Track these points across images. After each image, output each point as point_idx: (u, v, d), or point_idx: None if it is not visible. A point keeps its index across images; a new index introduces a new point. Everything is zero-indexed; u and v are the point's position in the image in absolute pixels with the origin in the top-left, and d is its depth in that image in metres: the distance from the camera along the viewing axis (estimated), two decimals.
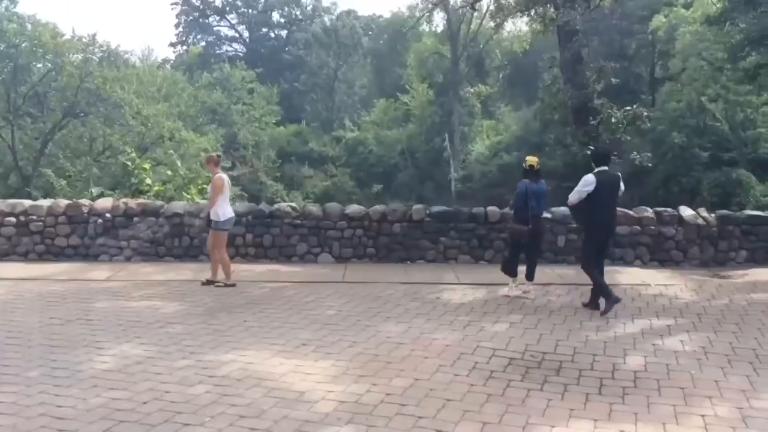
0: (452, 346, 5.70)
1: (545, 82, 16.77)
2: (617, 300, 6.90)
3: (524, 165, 7.88)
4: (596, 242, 7.17)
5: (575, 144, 13.61)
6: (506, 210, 10.12)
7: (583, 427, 4.00)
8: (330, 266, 9.73)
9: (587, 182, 6.96)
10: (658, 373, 5.03)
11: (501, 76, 38.99)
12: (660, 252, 10.02)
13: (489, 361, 5.28)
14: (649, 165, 14.27)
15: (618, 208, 10.26)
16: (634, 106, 14.47)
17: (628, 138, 14.23)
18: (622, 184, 7.17)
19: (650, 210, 10.25)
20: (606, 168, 7.07)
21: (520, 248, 7.84)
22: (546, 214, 9.15)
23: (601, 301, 6.95)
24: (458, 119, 33.67)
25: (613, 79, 14.56)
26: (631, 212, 10.13)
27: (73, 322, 6.44)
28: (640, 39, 28.57)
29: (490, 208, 10.25)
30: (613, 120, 13.52)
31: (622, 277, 8.91)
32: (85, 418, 4.09)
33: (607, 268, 8.88)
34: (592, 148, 12.88)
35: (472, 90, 34.86)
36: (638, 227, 10.00)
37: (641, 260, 9.92)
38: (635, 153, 14.03)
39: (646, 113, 14.36)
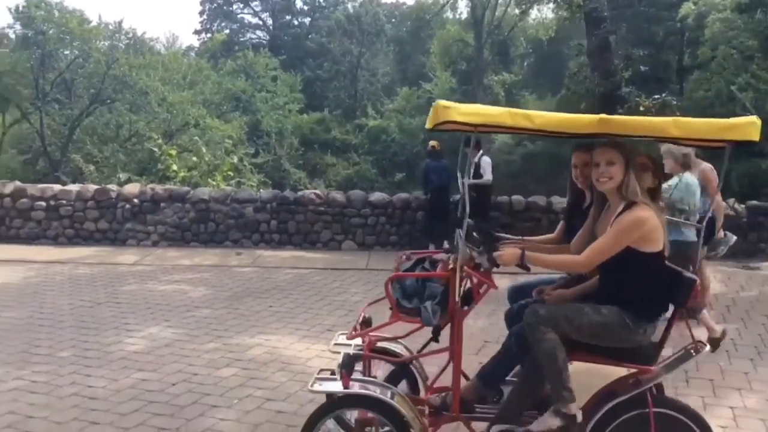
0: (476, 334, 5.69)
1: (571, 70, 16.55)
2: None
3: (428, 147, 10.02)
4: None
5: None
6: (531, 199, 10.09)
7: None
8: (353, 253, 9.77)
9: (488, 161, 9.12)
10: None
11: (525, 63, 38.58)
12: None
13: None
14: None
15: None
16: (663, 95, 14.26)
17: None
18: None
19: None
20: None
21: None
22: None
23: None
24: None
25: (641, 67, 14.36)
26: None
27: (102, 304, 6.55)
28: (669, 26, 28.05)
29: (515, 197, 10.19)
30: (641, 109, 13.31)
31: None
32: (115, 398, 4.17)
33: None
34: None
35: (496, 78, 34.53)
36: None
37: None
38: None
39: (675, 101, 14.13)
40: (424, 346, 3.32)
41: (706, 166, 5.97)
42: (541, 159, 22.88)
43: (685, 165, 5.28)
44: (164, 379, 4.50)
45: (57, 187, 10.71)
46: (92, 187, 10.71)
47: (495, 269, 2.94)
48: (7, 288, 7.20)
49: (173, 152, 14.40)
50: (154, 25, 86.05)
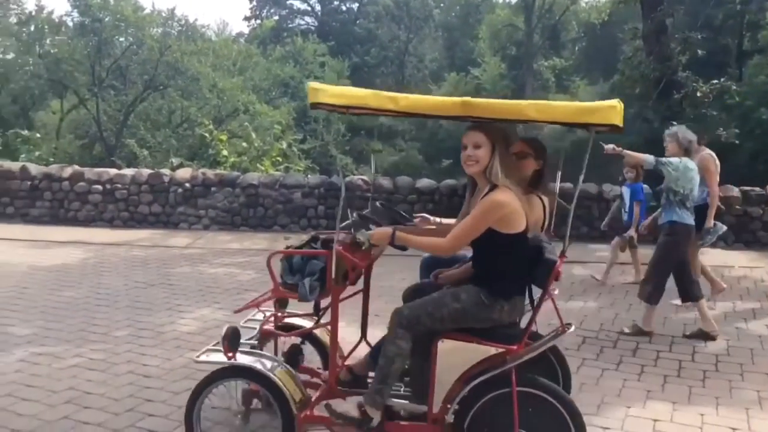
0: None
1: (625, 54, 16.04)
2: None
3: None
4: None
5: (657, 119, 13.05)
6: (581, 186, 9.89)
7: (661, 409, 3.90)
8: None
9: None
10: (741, 357, 4.84)
11: (577, 48, 37.75)
12: (745, 233, 9.56)
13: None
14: (735, 141, 13.52)
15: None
16: (721, 80, 13.73)
17: (714, 113, 13.50)
18: None
19: (736, 189, 9.76)
20: None
21: None
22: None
23: None
24: (531, 93, 32.90)
25: (699, 51, 13.85)
26: None
27: (155, 286, 6.74)
28: (728, 9, 26.94)
29: (564, 185, 10.01)
30: (698, 94, 12.86)
31: (704, 258, 8.53)
32: (169, 377, 4.29)
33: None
34: (674, 123, 12.40)
35: (546, 63, 33.94)
36: (722, 207, 9.52)
37: (725, 241, 9.46)
38: (720, 129, 13.34)
39: (734, 87, 13.61)
40: (317, 322, 3.44)
41: (706, 153, 6.08)
42: (593, 146, 22.37)
43: (688, 151, 5.31)
44: None
45: (113, 171, 11.05)
46: (146, 171, 10.99)
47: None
48: (67, 269, 7.47)
49: (224, 138, 14.63)
50: (205, 12, 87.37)
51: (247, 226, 10.37)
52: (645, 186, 7.10)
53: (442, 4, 46.67)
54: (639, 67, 14.09)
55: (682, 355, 4.85)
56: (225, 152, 13.87)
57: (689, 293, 5.31)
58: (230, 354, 3.04)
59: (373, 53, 42.93)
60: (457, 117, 2.87)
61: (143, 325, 5.42)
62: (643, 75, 13.79)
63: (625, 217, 7.16)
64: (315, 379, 3.44)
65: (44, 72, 25.66)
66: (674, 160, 5.23)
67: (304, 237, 3.41)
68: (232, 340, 3.04)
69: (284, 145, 16.50)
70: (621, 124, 2.72)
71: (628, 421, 3.73)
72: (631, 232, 6.93)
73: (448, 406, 2.89)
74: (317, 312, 3.26)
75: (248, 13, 49.98)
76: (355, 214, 3.22)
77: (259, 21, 48.08)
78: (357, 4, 50.50)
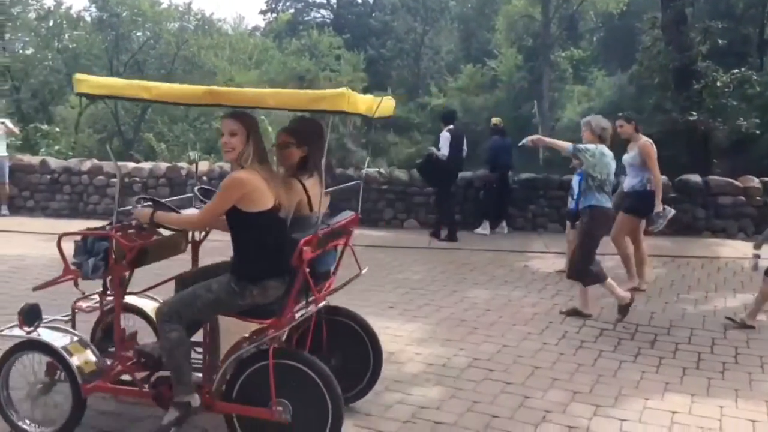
0: (540, 314, 5.63)
1: (644, 44, 15.83)
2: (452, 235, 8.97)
3: (491, 124, 9.94)
4: (448, 189, 9.28)
5: (676, 109, 12.88)
6: None
7: (679, 401, 3.87)
8: (416, 232, 9.78)
9: (445, 137, 9.01)
10: (761, 349, 4.78)
11: (595, 38, 37.32)
12: (765, 224, 9.41)
13: (579, 331, 5.19)
14: (756, 132, 13.33)
15: (720, 177, 9.76)
16: (741, 70, 13.53)
17: (734, 103, 13.31)
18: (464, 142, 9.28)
19: (756, 179, 9.62)
20: (452, 126, 9.17)
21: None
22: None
23: (443, 232, 9.13)
24: (548, 85, 32.61)
25: (719, 40, 13.65)
26: (735, 182, 9.55)
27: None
28: None
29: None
30: (718, 84, 12.69)
31: (724, 249, 8.47)
32: None
33: (707, 240, 8.55)
34: (694, 113, 12.25)
35: (563, 54, 33.60)
36: (743, 198, 9.43)
37: (745, 232, 9.36)
38: (741, 119, 13.16)
39: (755, 76, 13.40)
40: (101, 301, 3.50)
41: (646, 140, 6.28)
42: (611, 137, 22.17)
43: (602, 138, 5.48)
44: None
45: (131, 164, 11.15)
46: (164, 165, 11.08)
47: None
48: None
49: None
50: (221, 5, 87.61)
51: None
52: None
53: None
54: (658, 57, 13.93)
55: (701, 347, 4.80)
56: None
57: (583, 279, 5.45)
58: (27, 328, 3.24)
59: (389, 46, 42.80)
60: (206, 105, 3.05)
61: None
62: (662, 65, 13.63)
63: (572, 205, 7.06)
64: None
65: (63, 67, 25.95)
66: (590, 146, 5.40)
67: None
68: (27, 316, 3.24)
69: None
70: (350, 111, 2.88)
71: (646, 414, 3.70)
72: None
73: (215, 377, 3.11)
74: (105, 291, 3.42)
75: (264, 7, 50.03)
76: (137, 198, 3.46)
77: (275, 14, 48.12)
78: None
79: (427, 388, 4.02)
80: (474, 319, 5.49)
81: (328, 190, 3.39)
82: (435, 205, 9.71)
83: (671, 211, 6.28)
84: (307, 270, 3.02)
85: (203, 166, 10.97)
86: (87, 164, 11.02)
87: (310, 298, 3.23)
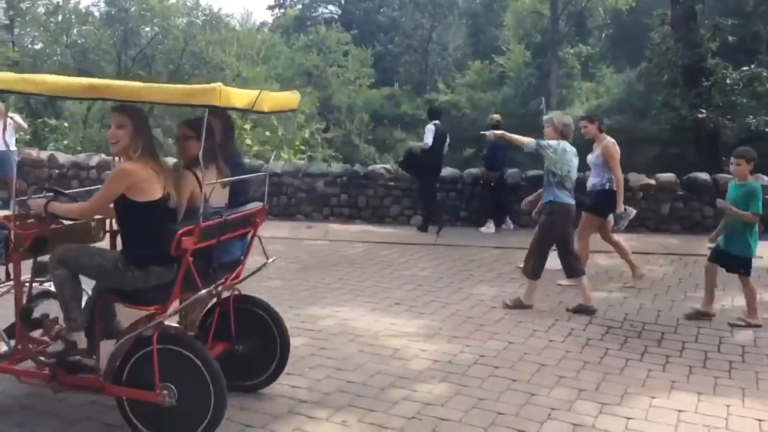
0: (547, 312, 5.63)
1: (653, 41, 15.76)
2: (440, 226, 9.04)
3: (492, 121, 9.65)
4: (433, 182, 9.40)
5: (684, 106, 12.83)
6: None
7: (685, 399, 3.86)
8: None
9: (430, 129, 9.20)
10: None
11: (603, 35, 37.10)
12: None
13: (585, 329, 5.18)
14: (766, 130, 13.25)
15: (729, 175, 9.68)
16: (751, 67, 13.45)
17: (743, 101, 13.23)
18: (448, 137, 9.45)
19: (765, 178, 9.53)
20: (438, 122, 9.35)
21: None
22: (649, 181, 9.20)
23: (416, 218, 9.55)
24: (556, 81, 32.48)
25: (729, 37, 13.57)
26: None
27: None
28: None
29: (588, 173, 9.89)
30: (727, 81, 12.62)
31: None
32: None
33: None
34: (703, 111, 12.18)
35: (571, 50, 33.44)
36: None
37: None
38: (750, 117, 13.09)
39: (765, 74, 13.32)
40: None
41: (609, 140, 6.42)
42: (619, 135, 22.10)
43: (564, 134, 5.62)
44: None
45: None
46: (171, 160, 11.09)
47: None
48: None
49: (248, 127, 14.71)
50: (229, 1, 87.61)
51: (271, 214, 10.37)
52: None
53: None
54: (667, 53, 13.87)
55: (708, 346, 4.79)
56: (249, 141, 13.95)
57: (573, 270, 5.59)
58: None
59: (397, 42, 42.69)
60: (89, 98, 3.24)
61: None
62: (671, 62, 13.57)
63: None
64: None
65: (72, 62, 26.00)
66: (553, 143, 5.54)
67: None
68: None
69: (307, 134, 16.53)
70: (223, 105, 2.96)
71: (652, 412, 3.70)
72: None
73: (108, 361, 3.22)
74: (8, 277, 3.57)
75: (272, 2, 49.98)
76: (38, 188, 3.71)
77: (282, 10, 48.10)
78: None
79: (433, 385, 4.03)
80: (480, 316, 5.49)
81: (224, 180, 3.54)
82: (418, 199, 9.86)
83: (633, 212, 6.41)
84: (191, 259, 3.11)
85: None
86: (95, 159, 11.05)
87: (219, 287, 3.40)
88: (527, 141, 5.63)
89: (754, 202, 5.07)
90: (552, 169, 5.49)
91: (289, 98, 3.66)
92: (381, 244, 8.67)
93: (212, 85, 2.91)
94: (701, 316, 5.36)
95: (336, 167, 10.89)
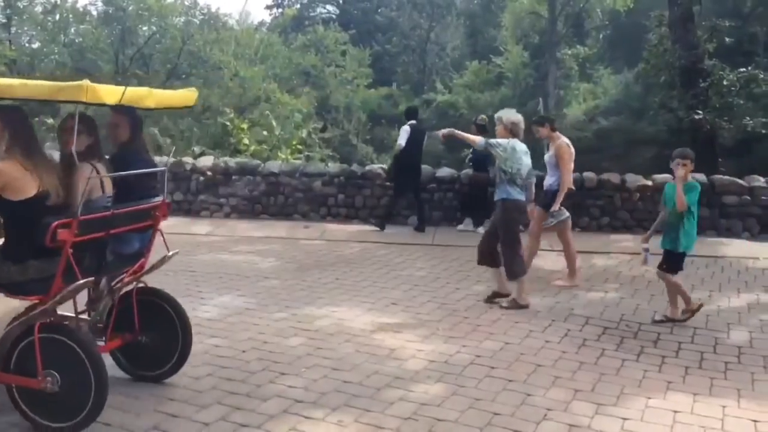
0: (543, 312, 5.63)
1: (651, 42, 15.80)
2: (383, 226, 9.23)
3: (479, 121, 9.62)
4: (406, 181, 9.44)
5: (682, 108, 12.85)
6: (604, 176, 9.80)
7: (681, 400, 3.87)
8: None
9: (405, 130, 9.33)
10: (764, 349, 4.77)
11: (601, 36, 37.15)
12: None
13: (582, 329, 5.18)
14: (762, 131, 13.28)
15: (725, 177, 9.73)
16: (749, 68, 13.48)
17: (740, 102, 13.26)
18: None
19: (762, 179, 9.60)
20: (414, 122, 9.51)
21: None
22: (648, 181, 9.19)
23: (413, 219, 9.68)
24: (554, 82, 32.49)
25: (726, 39, 13.60)
26: (740, 181, 9.53)
27: (178, 272, 6.80)
28: None
29: (586, 174, 9.90)
30: (724, 83, 12.64)
31: (728, 249, 8.44)
32: (190, 361, 4.33)
33: (711, 239, 8.54)
34: (699, 112, 12.19)
35: (569, 51, 33.47)
36: (748, 197, 9.40)
37: (750, 232, 9.34)
38: (747, 118, 13.12)
39: (762, 75, 13.35)
40: None
41: (563, 141, 6.61)
42: (616, 136, 22.12)
43: (514, 132, 5.71)
44: (235, 346, 4.66)
45: None
46: (168, 159, 11.08)
47: None
48: None
49: (245, 126, 14.71)
50: (227, 0, 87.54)
51: (268, 214, 10.43)
52: None
53: None
54: (664, 55, 13.89)
55: (704, 347, 4.80)
56: (246, 141, 13.95)
57: (513, 271, 5.66)
58: None
59: (395, 42, 42.69)
60: None
61: None
62: (669, 63, 13.60)
63: None
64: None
65: (69, 61, 25.93)
66: (503, 141, 5.65)
67: None
68: None
69: (305, 134, 16.53)
70: (91, 102, 3.05)
71: (647, 412, 3.70)
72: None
73: None
74: None
75: (270, 2, 49.95)
76: None
77: (280, 10, 48.07)
78: None
79: (429, 385, 4.03)
80: (476, 316, 5.49)
81: (122, 173, 3.70)
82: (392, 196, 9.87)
83: (563, 215, 6.55)
84: (71, 251, 3.17)
85: (207, 161, 10.98)
86: None
87: (119, 279, 3.61)
88: (476, 139, 5.87)
89: (692, 194, 5.05)
90: (502, 167, 5.61)
91: (183, 96, 3.80)
92: (378, 243, 8.67)
93: (79, 83, 3.01)
94: (674, 321, 5.26)
95: (333, 167, 10.88)
